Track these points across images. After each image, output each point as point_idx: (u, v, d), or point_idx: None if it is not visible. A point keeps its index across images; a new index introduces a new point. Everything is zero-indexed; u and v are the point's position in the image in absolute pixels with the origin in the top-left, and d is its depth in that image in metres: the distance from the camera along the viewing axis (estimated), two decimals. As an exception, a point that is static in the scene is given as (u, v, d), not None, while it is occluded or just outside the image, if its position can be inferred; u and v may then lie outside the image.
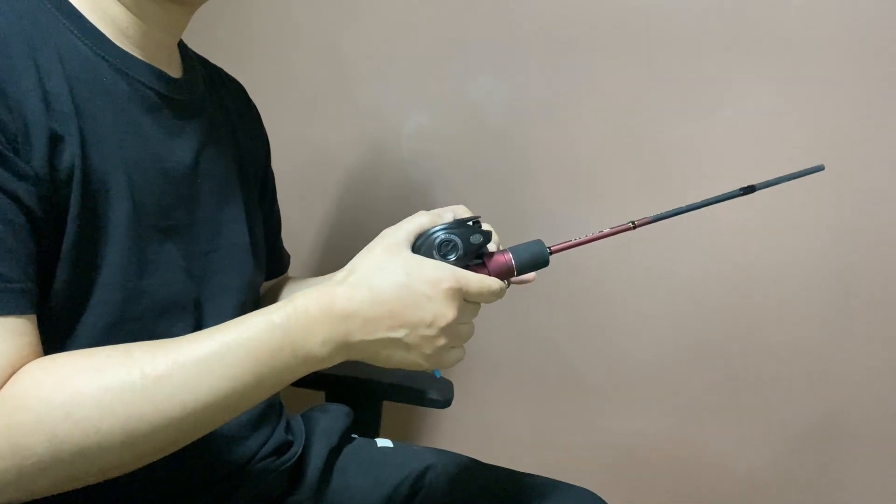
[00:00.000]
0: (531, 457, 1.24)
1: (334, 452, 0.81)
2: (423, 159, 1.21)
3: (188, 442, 0.51)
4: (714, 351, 1.13)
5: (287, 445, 0.75)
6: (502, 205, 1.16)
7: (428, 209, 0.60)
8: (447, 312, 0.53)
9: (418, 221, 0.57)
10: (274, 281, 0.88)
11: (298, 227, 1.23)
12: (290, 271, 0.92)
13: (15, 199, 0.47)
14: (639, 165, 1.10)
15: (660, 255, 1.12)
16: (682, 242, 1.11)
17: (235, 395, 0.50)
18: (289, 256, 0.91)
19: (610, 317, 1.17)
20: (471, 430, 1.29)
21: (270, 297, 0.86)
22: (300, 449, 0.78)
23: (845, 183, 1.02)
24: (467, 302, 0.55)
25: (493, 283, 0.56)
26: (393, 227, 0.57)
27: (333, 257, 1.30)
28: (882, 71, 0.98)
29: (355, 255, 0.56)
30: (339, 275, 0.55)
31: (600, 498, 0.78)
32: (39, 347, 0.49)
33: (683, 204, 0.61)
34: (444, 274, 0.53)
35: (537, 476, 0.81)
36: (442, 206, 0.61)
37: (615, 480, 1.20)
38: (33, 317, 0.49)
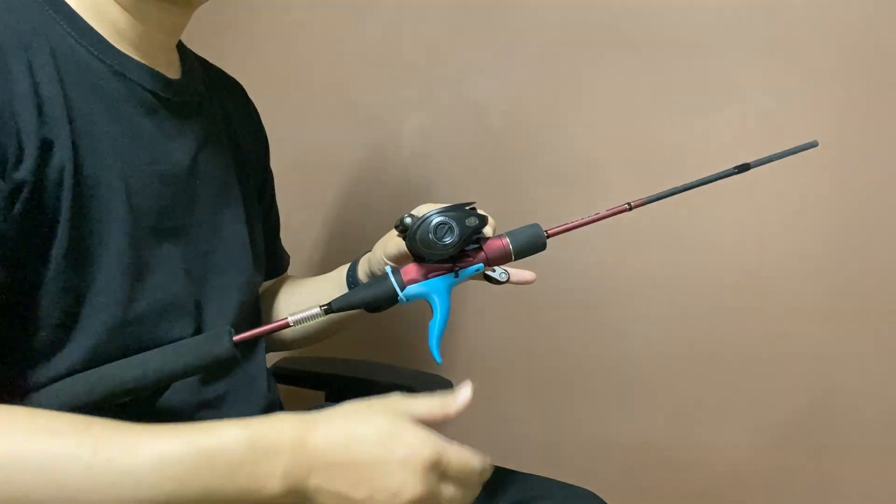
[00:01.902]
0: (532, 457, 1.23)
1: (333, 452, 0.81)
2: (423, 159, 1.21)
3: None
4: (716, 351, 1.12)
5: (286, 445, 0.75)
6: (503, 204, 1.15)
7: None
8: (417, 485, 0.48)
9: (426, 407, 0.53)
10: (273, 281, 0.88)
11: (298, 227, 1.23)
12: (291, 270, 0.92)
13: None
14: (639, 165, 1.10)
15: (661, 255, 1.12)
16: (684, 243, 1.10)
17: (174, 501, 0.46)
18: (288, 257, 0.91)
19: (611, 317, 1.17)
20: (471, 430, 1.29)
21: (269, 297, 0.86)
22: (299, 449, 0.77)
23: (845, 182, 1.01)
24: (447, 481, 0.50)
25: (476, 461, 0.52)
26: (409, 399, 0.54)
27: (333, 257, 1.30)
28: (883, 70, 0.98)
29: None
30: (329, 411, 0.51)
31: (600, 498, 0.78)
32: None
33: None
34: (427, 443, 0.49)
35: (538, 476, 0.81)
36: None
37: (615, 480, 1.19)
38: None
